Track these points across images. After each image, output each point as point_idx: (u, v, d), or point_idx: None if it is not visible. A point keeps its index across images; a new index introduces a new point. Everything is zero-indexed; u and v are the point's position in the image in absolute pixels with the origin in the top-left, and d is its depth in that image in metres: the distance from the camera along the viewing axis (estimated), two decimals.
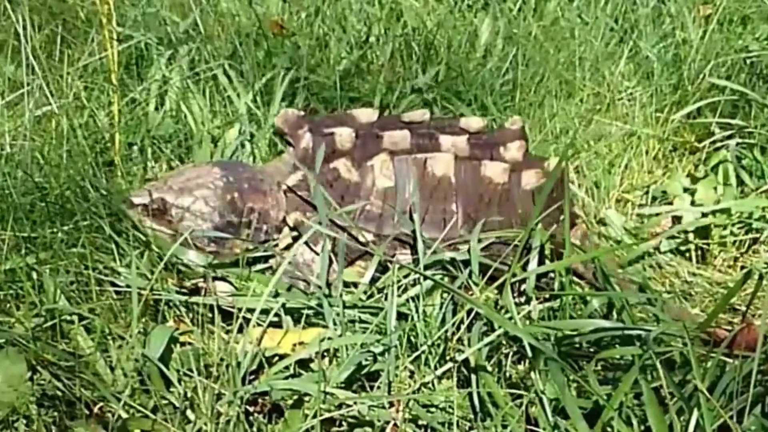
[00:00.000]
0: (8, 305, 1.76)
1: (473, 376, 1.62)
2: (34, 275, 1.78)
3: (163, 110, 2.48)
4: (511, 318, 1.67)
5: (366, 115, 2.11)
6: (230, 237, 1.91)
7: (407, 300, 1.78)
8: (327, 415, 1.51)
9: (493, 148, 2.08)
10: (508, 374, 1.70)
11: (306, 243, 1.90)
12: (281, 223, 1.97)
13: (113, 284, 1.80)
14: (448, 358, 1.71)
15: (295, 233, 1.95)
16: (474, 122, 2.12)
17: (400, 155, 1.97)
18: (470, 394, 1.61)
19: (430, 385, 1.66)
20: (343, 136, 1.99)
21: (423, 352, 1.69)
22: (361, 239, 1.91)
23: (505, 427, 1.53)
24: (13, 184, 2.00)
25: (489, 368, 1.64)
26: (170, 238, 1.89)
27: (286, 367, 1.64)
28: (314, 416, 1.49)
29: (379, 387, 1.65)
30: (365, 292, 1.87)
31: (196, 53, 2.66)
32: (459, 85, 2.72)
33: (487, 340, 1.64)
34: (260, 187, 1.96)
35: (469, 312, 1.72)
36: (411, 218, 1.92)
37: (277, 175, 2.02)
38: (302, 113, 2.11)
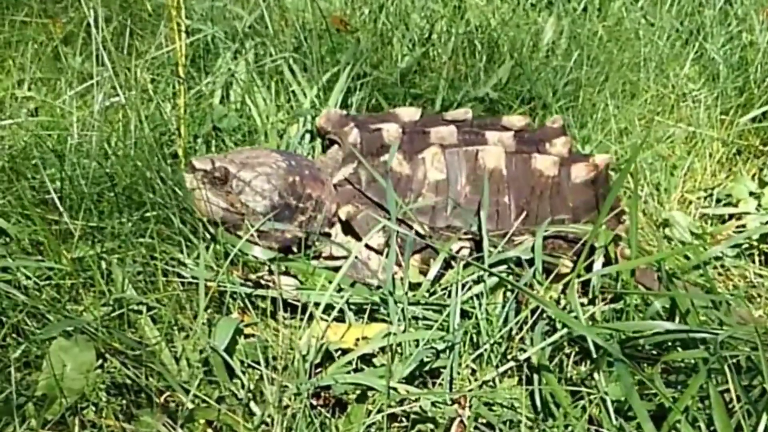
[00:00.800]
0: (77, 294, 1.79)
1: (535, 376, 1.62)
2: (103, 265, 1.80)
3: (228, 103, 2.50)
4: (576, 318, 1.67)
5: (409, 113, 2.11)
6: (283, 224, 1.91)
7: (470, 297, 1.78)
8: (390, 410, 1.51)
9: (539, 144, 2.08)
10: (569, 375, 1.69)
11: (360, 237, 1.91)
12: (333, 216, 1.98)
13: (179, 275, 1.82)
14: (509, 357, 1.70)
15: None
16: (516, 120, 2.13)
17: (450, 149, 1.98)
18: (532, 394, 1.61)
19: (491, 383, 1.66)
20: (390, 131, 2.00)
21: (485, 350, 1.69)
22: (421, 232, 1.92)
23: (567, 427, 1.53)
24: (82, 174, 2.02)
25: (551, 368, 1.63)
26: (222, 212, 1.89)
27: (349, 362, 1.64)
28: (378, 411, 1.50)
29: (440, 384, 1.65)
30: (428, 290, 1.87)
31: (261, 48, 2.67)
32: (523, 84, 2.71)
33: (551, 339, 1.64)
34: (319, 176, 1.97)
35: (532, 311, 1.71)
36: (460, 211, 1.93)
37: (324, 170, 2.03)
38: (345, 112, 2.13)
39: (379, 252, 1.92)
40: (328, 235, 1.97)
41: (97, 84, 2.33)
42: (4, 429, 1.48)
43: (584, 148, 2.53)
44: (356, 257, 1.90)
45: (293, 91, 2.51)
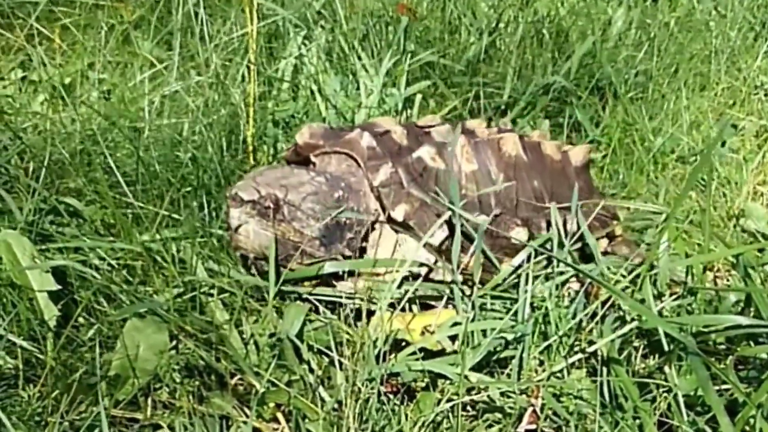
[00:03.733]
0: (147, 276, 1.81)
1: (604, 368, 1.61)
2: (174, 248, 1.82)
3: (296, 89, 2.50)
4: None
5: (387, 122, 2.02)
6: (335, 246, 1.81)
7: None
8: (457, 400, 1.51)
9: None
10: (636, 368, 1.68)
11: (413, 233, 1.85)
12: (375, 221, 1.88)
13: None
14: (577, 348, 1.69)
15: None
16: (477, 123, 2.10)
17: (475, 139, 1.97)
18: (600, 386, 1.60)
19: (559, 374, 1.65)
20: (398, 133, 1.94)
21: (554, 341, 1.68)
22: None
23: (636, 419, 1.51)
24: (158, 159, 2.04)
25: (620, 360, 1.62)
26: (274, 244, 1.76)
27: (417, 351, 1.64)
28: (448, 400, 1.50)
29: (508, 374, 1.65)
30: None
31: (329, 33, 2.67)
32: (592, 74, 2.69)
33: (621, 331, 1.62)
34: (353, 184, 1.87)
35: (602, 303, 1.70)
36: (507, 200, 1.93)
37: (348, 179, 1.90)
38: (326, 125, 2.04)
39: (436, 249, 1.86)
40: (364, 249, 1.88)
41: (167, 68, 2.35)
42: (77, 407, 1.50)
43: (655, 140, 2.50)
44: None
45: (361, 78, 2.51)
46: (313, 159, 1.94)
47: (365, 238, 1.86)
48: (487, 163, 1.95)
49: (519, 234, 1.88)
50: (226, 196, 1.75)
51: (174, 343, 1.62)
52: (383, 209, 1.85)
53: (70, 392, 1.49)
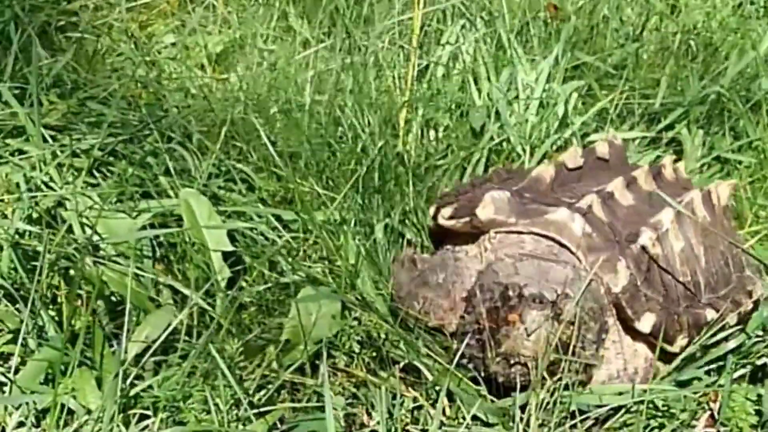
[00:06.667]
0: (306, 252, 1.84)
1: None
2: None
3: (451, 77, 2.50)
4: None
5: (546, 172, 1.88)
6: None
7: None
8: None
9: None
10: None
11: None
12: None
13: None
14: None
15: None
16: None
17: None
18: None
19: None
20: (596, 205, 1.71)
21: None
22: None
23: None
24: (309, 138, 2.06)
25: None
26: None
27: None
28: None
29: None
30: None
31: (488, 26, 2.66)
32: (746, 87, 2.65)
33: None
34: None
35: None
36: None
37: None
38: (509, 194, 1.74)
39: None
40: None
41: (331, 48, 2.37)
42: (245, 368, 1.52)
43: None
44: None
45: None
46: (492, 235, 1.71)
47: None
48: (688, 235, 1.78)
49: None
50: (508, 297, 1.51)
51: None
52: (618, 314, 1.64)
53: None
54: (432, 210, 1.84)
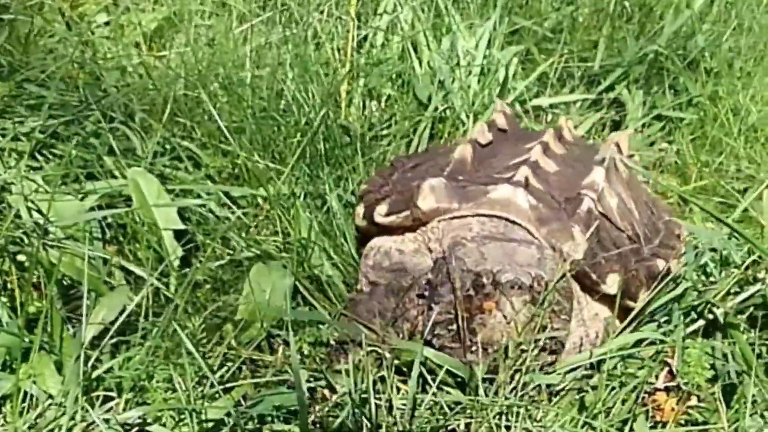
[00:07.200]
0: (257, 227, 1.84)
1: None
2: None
3: (391, 47, 2.49)
4: None
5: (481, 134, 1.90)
6: None
7: None
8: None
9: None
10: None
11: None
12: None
13: None
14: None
15: None
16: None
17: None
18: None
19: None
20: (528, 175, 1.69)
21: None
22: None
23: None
24: (253, 112, 2.05)
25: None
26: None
27: None
28: None
29: None
30: None
31: None
32: (682, 45, 2.68)
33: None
34: None
35: None
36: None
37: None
38: (444, 179, 1.68)
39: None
40: None
41: (268, 21, 2.35)
42: (205, 346, 1.51)
43: (748, 112, 2.48)
44: None
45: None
46: (434, 225, 1.65)
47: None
48: (619, 191, 1.79)
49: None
50: (482, 284, 1.43)
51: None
52: (580, 280, 1.61)
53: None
54: (360, 209, 1.76)
